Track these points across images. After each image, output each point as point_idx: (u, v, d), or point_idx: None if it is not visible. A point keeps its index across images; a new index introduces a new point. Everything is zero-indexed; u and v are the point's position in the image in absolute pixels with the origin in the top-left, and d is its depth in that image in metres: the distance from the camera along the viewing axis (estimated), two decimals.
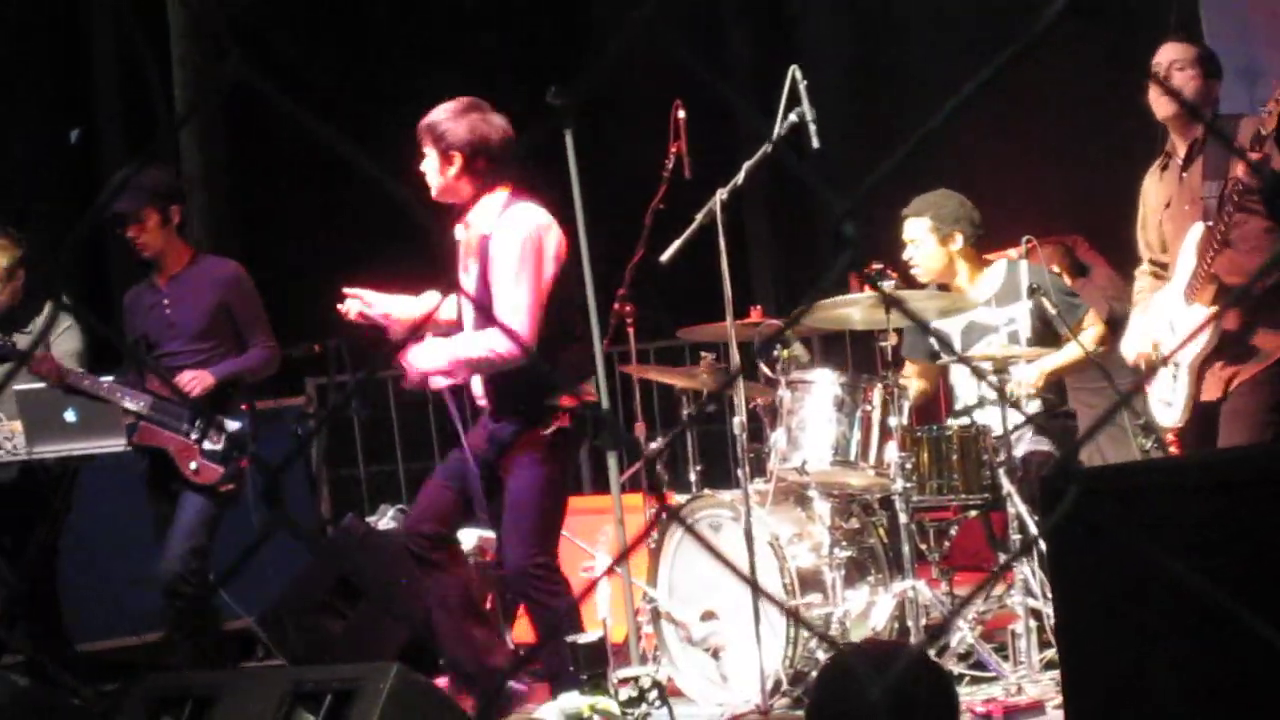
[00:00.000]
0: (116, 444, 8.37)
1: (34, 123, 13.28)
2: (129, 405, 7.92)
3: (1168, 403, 7.06)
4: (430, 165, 7.00)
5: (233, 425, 8.00)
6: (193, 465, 7.88)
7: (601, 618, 8.08)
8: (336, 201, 13.83)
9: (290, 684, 5.74)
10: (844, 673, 3.93)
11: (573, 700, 7.04)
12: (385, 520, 8.98)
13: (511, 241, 6.81)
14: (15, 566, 8.20)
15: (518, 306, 6.74)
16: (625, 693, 7.00)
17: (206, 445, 7.93)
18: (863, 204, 1.58)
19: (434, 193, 7.00)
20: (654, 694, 6.98)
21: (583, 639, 8.02)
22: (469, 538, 8.83)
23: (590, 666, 7.63)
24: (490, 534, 9.17)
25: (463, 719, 6.02)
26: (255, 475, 8.98)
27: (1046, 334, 7.92)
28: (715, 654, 7.68)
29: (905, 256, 8.19)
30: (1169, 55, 7.06)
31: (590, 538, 8.29)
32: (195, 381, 7.81)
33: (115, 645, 9.85)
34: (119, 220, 7.87)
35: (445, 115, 6.98)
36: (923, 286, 8.10)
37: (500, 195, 6.97)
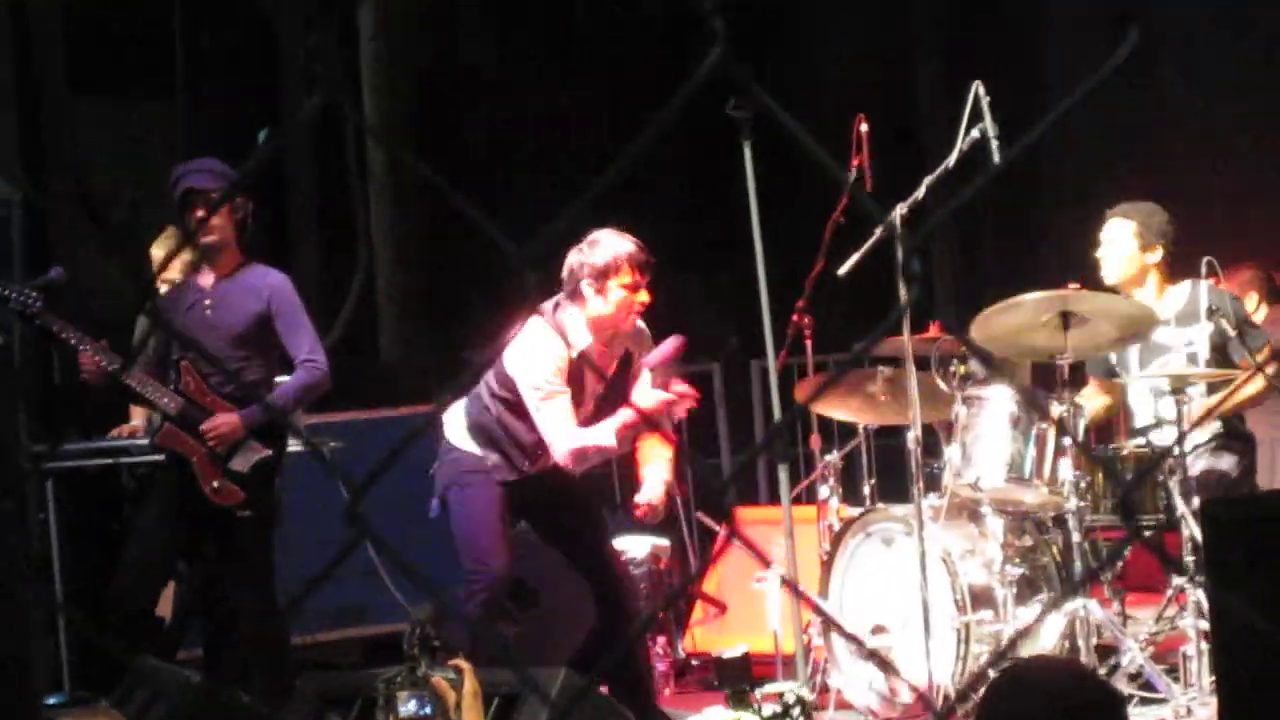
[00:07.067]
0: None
1: (228, 122, 13.48)
2: (164, 405, 7.49)
3: None
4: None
5: (263, 451, 7.54)
6: (215, 484, 7.42)
7: (772, 629, 8.12)
8: (519, 212, 13.93)
9: None
10: (1014, 689, 3.91)
11: (717, 714, 7.09)
12: None
13: None
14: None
15: None
16: (769, 708, 7.02)
17: (233, 465, 7.48)
18: (929, 240, 1.60)
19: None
20: (797, 710, 7.00)
21: (727, 654, 8.12)
22: (642, 545, 8.88)
23: (735, 681, 7.68)
24: (665, 541, 9.23)
25: None
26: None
27: (1223, 361, 7.78)
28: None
29: (1098, 254, 8.06)
30: None
31: (764, 549, 8.30)
32: (218, 433, 7.44)
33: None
34: (192, 198, 7.40)
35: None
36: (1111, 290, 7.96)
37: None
